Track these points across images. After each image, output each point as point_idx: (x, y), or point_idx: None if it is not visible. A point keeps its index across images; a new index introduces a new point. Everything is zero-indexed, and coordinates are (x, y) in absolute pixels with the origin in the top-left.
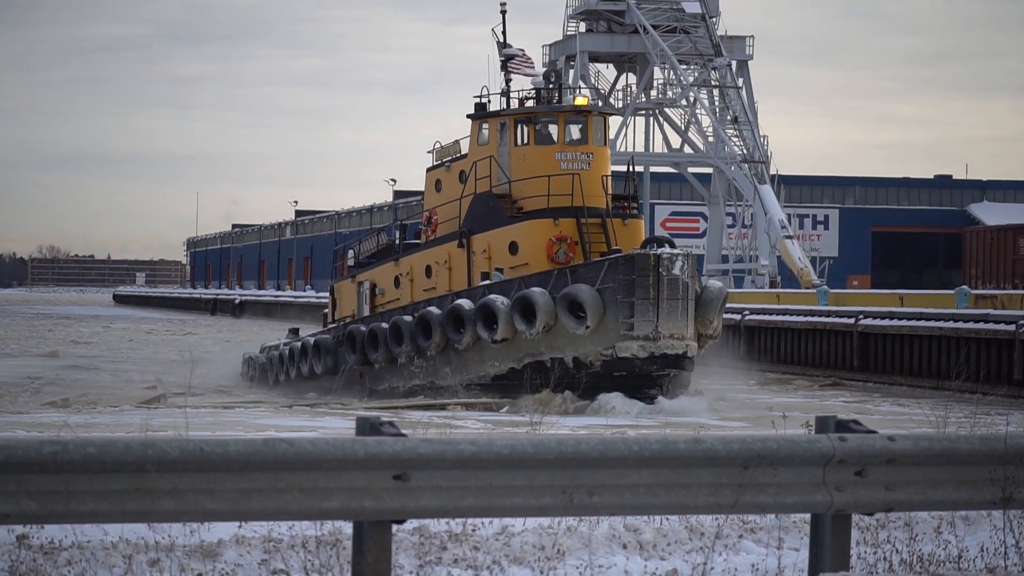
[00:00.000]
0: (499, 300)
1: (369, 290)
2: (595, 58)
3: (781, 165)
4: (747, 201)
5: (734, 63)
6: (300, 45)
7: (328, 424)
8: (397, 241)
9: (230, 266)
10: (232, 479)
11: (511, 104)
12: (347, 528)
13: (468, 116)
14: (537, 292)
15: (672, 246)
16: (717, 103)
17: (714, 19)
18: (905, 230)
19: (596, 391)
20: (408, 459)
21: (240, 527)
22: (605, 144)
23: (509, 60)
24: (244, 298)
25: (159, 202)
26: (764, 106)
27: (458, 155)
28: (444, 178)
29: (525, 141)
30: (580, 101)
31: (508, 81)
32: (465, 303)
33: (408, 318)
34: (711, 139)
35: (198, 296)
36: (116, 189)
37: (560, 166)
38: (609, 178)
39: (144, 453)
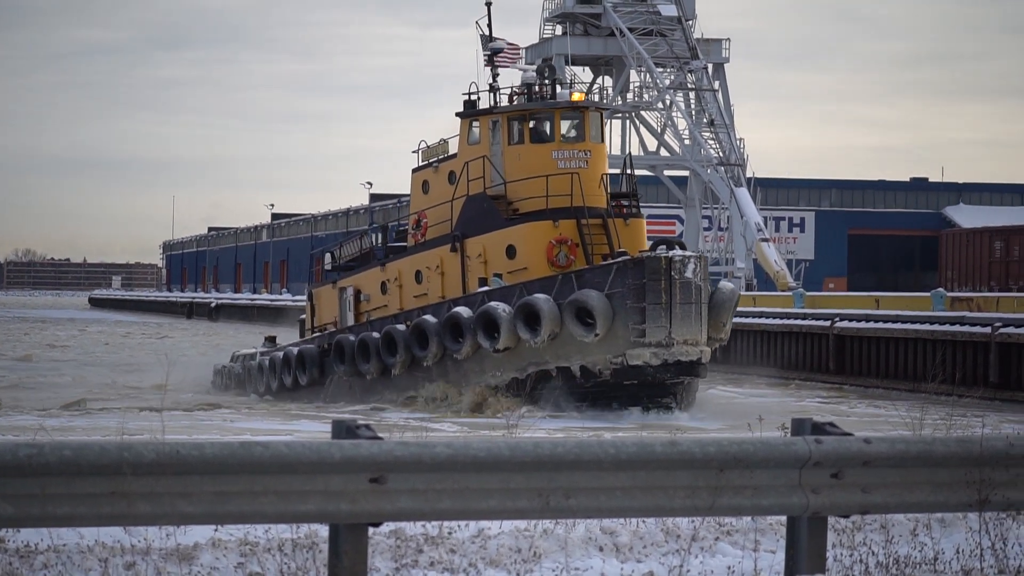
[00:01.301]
0: (500, 307)
1: (353, 296)
2: (572, 61)
3: (757, 168)
4: (723, 204)
5: (710, 66)
6: (279, 49)
7: (304, 427)
8: (377, 244)
9: (206, 269)
10: (208, 482)
11: (500, 100)
12: (323, 531)
13: (457, 114)
14: (541, 299)
15: (683, 248)
16: (693, 106)
17: (690, 22)
18: (881, 233)
19: (608, 401)
20: (384, 462)
21: (216, 530)
22: (602, 141)
23: (496, 54)
24: (220, 301)
25: (136, 205)
26: (741, 109)
27: (446, 155)
28: (432, 179)
29: (519, 139)
30: (576, 97)
31: (495, 76)
32: (463, 311)
33: (401, 327)
34: (687, 142)
35: (174, 299)
36: (93, 192)
37: (557, 165)
38: (608, 176)
39: (120, 456)
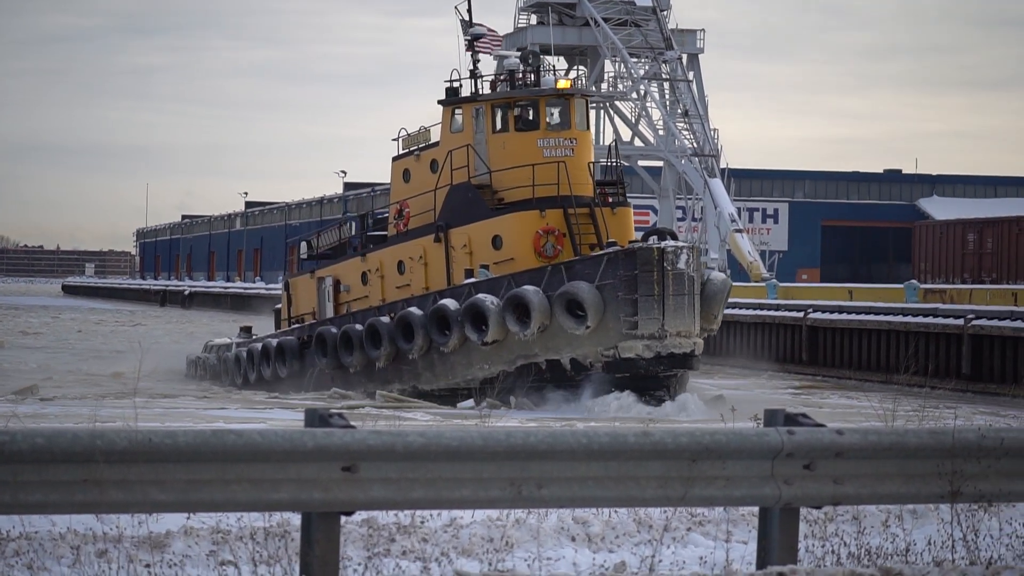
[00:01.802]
0: (488, 299)
1: (332, 287)
2: (546, 51)
3: (731, 159)
4: (697, 195)
5: (685, 56)
6: (254, 37)
7: (277, 416)
8: (354, 233)
9: (179, 257)
10: (181, 470)
11: (483, 88)
12: (296, 520)
13: (439, 102)
14: (531, 291)
15: (674, 237)
16: (667, 96)
17: (665, 12)
18: (855, 224)
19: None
20: (357, 451)
21: (188, 518)
22: (588, 128)
23: (477, 39)
24: (193, 289)
25: (109, 193)
26: (715, 100)
27: (428, 143)
28: (413, 168)
29: (504, 127)
30: (563, 84)
31: (476, 62)
32: (450, 303)
33: (385, 319)
34: (661, 132)
35: (147, 287)
36: (66, 179)
37: (543, 153)
38: (593, 165)
39: (93, 444)
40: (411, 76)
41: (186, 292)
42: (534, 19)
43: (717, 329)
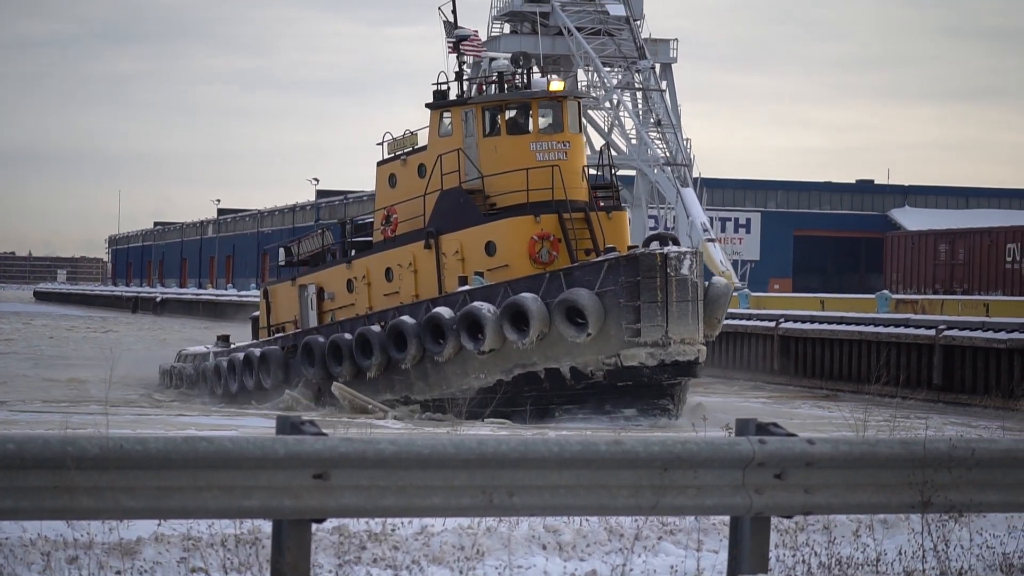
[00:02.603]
0: (485, 307)
1: (315, 295)
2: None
3: (704, 168)
4: (669, 204)
5: (658, 66)
6: (227, 44)
7: (249, 423)
8: (338, 240)
9: (151, 264)
10: (152, 477)
11: (470, 90)
12: (267, 527)
13: (427, 105)
14: (529, 298)
15: (676, 243)
16: (640, 106)
17: (638, 22)
18: (827, 234)
19: (600, 403)
20: (329, 458)
21: (159, 525)
22: (580, 131)
23: (461, 41)
24: (165, 296)
25: (82, 199)
26: (688, 109)
27: (415, 147)
28: (400, 172)
29: (495, 131)
30: (556, 86)
31: (461, 64)
32: (444, 311)
33: (376, 328)
34: (634, 141)
35: (119, 294)
36: (38, 186)
37: (536, 157)
38: (587, 168)
39: (64, 450)
40: (385, 84)
41: (158, 299)
42: (507, 28)
43: (714, 338)
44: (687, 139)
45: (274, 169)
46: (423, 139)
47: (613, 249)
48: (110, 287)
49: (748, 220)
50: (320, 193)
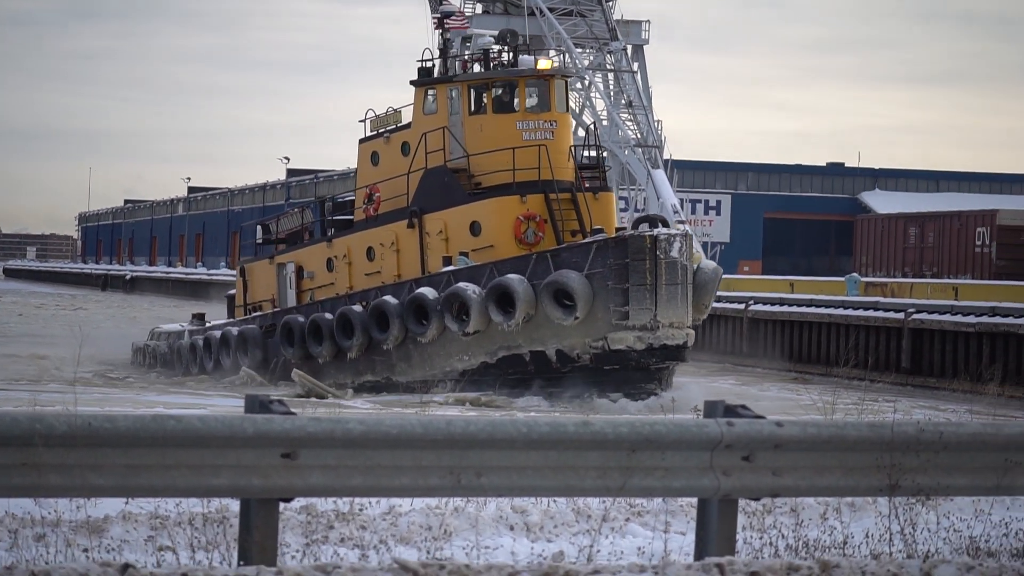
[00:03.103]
0: (470, 288)
1: (294, 273)
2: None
3: (675, 150)
4: (640, 185)
5: (629, 47)
6: (200, 23)
7: (218, 402)
8: (317, 218)
9: (122, 242)
10: (120, 455)
11: (454, 67)
12: (234, 506)
13: (412, 82)
14: (515, 279)
15: (666, 225)
16: (612, 87)
17: (610, 3)
18: (797, 217)
19: (586, 387)
20: (297, 437)
21: (127, 503)
22: (567, 111)
23: (446, 17)
24: (135, 274)
25: (52, 177)
26: (659, 91)
27: (399, 125)
28: (383, 150)
29: (481, 109)
30: (544, 65)
31: (446, 41)
32: (428, 291)
33: (358, 308)
34: (605, 123)
35: (89, 271)
36: (7, 163)
37: (522, 136)
38: (573, 148)
39: (32, 427)
40: (355, 64)
41: (127, 276)
42: (479, 8)
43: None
44: (658, 121)
45: (245, 147)
46: (407, 117)
47: (600, 230)
48: (80, 264)
49: (718, 202)
50: (291, 172)
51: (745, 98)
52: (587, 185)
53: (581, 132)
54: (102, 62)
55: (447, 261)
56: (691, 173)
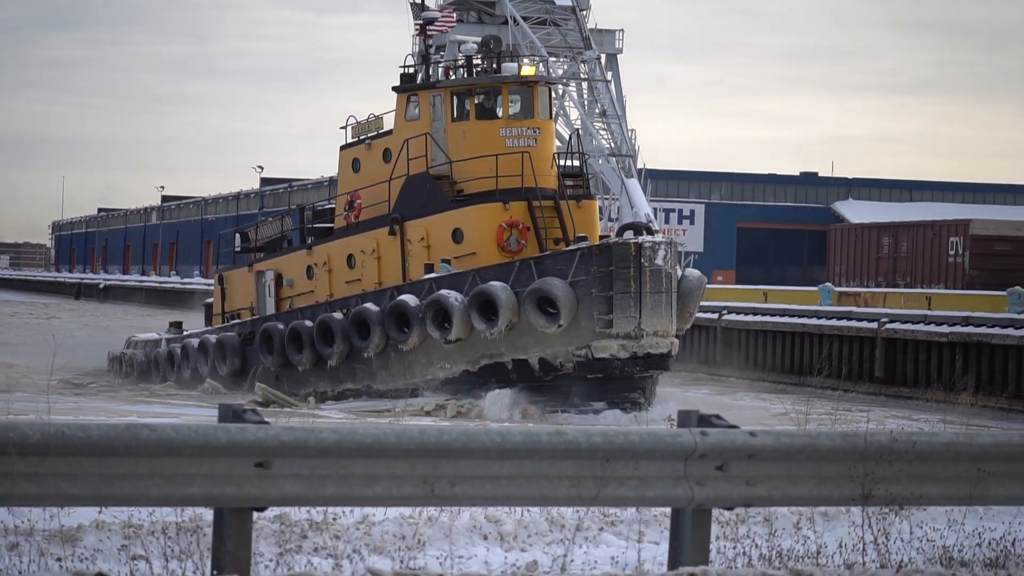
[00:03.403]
0: (452, 296)
1: (273, 281)
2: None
3: (648, 159)
4: (614, 195)
5: (603, 56)
6: (173, 31)
7: (191, 411)
8: (297, 226)
9: (95, 250)
10: (93, 464)
11: (437, 74)
12: (208, 515)
13: (394, 88)
14: (498, 287)
15: (651, 232)
16: (586, 96)
17: (584, 12)
18: (770, 226)
19: (567, 396)
20: (270, 447)
21: (100, 512)
22: (551, 118)
23: (429, 24)
24: (109, 283)
25: (26, 185)
26: (633, 100)
27: (381, 132)
28: (364, 157)
29: (463, 116)
30: (528, 71)
31: (428, 48)
32: (410, 299)
33: (338, 315)
34: (579, 132)
35: (63, 280)
36: None
37: (505, 143)
38: (556, 156)
39: (5, 436)
40: (329, 72)
41: (101, 285)
42: (453, 16)
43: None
44: (632, 130)
45: (218, 156)
46: (388, 124)
47: (584, 238)
48: (53, 273)
49: (692, 212)
50: (264, 181)
51: (719, 107)
52: (570, 193)
53: (555, 141)
54: (76, 70)
55: (429, 268)
56: (665, 183)
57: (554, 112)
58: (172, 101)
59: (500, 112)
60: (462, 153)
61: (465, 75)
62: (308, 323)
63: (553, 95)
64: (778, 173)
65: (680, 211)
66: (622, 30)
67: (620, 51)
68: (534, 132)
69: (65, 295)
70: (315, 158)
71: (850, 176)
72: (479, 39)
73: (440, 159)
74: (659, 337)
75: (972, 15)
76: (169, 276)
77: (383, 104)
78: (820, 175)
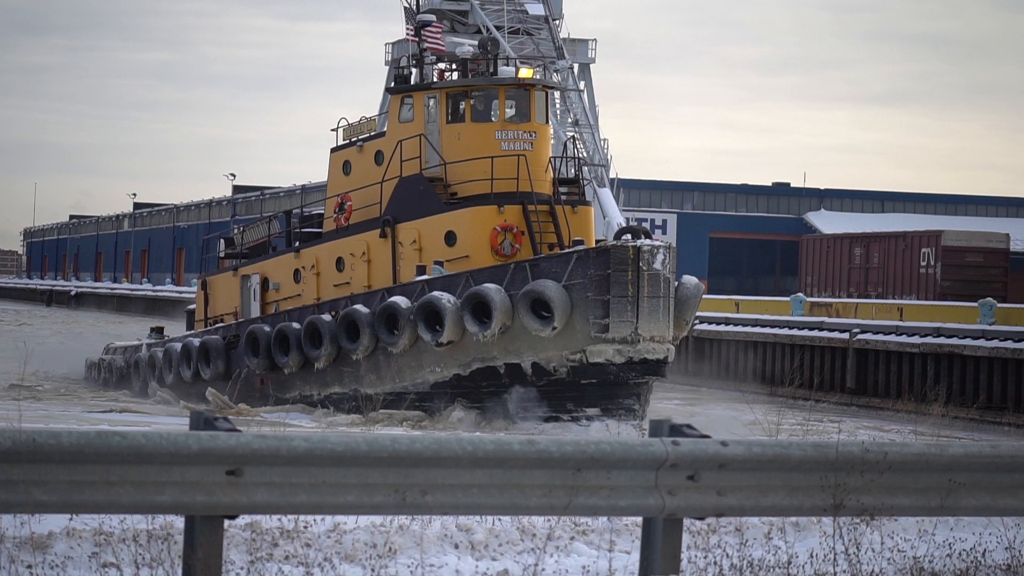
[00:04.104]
0: (445, 298)
1: (259, 285)
2: (438, 58)
3: (621, 169)
4: None
5: (576, 66)
6: (145, 37)
7: (163, 419)
8: (283, 229)
9: (67, 257)
10: (64, 471)
11: (431, 76)
12: (179, 522)
13: (388, 90)
14: (492, 289)
15: (649, 236)
16: (558, 105)
17: (557, 22)
18: (742, 236)
19: (562, 401)
20: (242, 454)
21: (71, 519)
22: (547, 122)
23: (423, 28)
24: (80, 290)
25: None
26: (605, 110)
27: (373, 133)
28: (355, 159)
29: (459, 118)
30: (525, 73)
31: (422, 51)
32: (401, 300)
33: (327, 317)
34: (551, 141)
35: (34, 287)
36: None
37: (500, 146)
38: (551, 160)
39: None
40: (302, 80)
41: (72, 292)
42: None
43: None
44: (604, 139)
45: (190, 164)
46: (381, 125)
47: (581, 242)
48: (25, 280)
49: (664, 221)
50: (236, 188)
51: (691, 117)
52: (565, 199)
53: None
54: (47, 76)
55: (421, 270)
56: (637, 192)
57: (550, 116)
58: (144, 107)
59: (496, 115)
60: (456, 155)
61: (460, 77)
62: (296, 325)
63: (550, 100)
64: (750, 183)
65: (652, 221)
66: (595, 40)
67: (593, 61)
68: (530, 136)
69: (36, 302)
70: (287, 165)
71: (822, 187)
72: (475, 42)
73: (434, 161)
74: (656, 343)
75: (945, 26)
76: (141, 283)
77: (357, 111)
78: (792, 185)
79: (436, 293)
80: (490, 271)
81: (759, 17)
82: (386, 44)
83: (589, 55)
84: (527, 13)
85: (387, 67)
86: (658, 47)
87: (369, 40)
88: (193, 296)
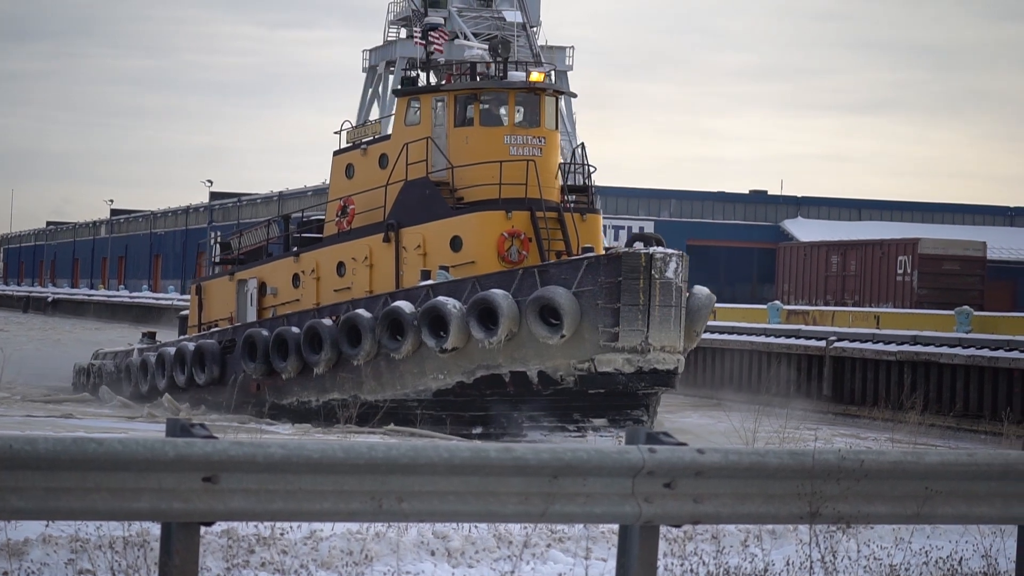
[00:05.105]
0: (450, 303)
1: (256, 290)
2: (415, 64)
3: (598, 176)
4: None
5: (554, 73)
6: (129, 45)
7: (140, 425)
8: (282, 232)
9: (44, 264)
10: (40, 477)
11: (436, 79)
12: (155, 529)
13: (394, 92)
14: (499, 295)
15: (661, 244)
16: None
17: (535, 29)
18: (720, 244)
19: (568, 411)
20: (218, 461)
21: (47, 526)
22: (557, 128)
23: (431, 31)
24: (57, 296)
25: None
26: (583, 117)
27: (378, 136)
28: (358, 163)
29: (467, 121)
30: (536, 77)
31: (429, 54)
32: (405, 305)
33: (328, 322)
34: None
35: (10, 293)
36: None
37: (509, 151)
38: (560, 167)
39: None
40: (282, 87)
41: (49, 299)
42: (404, 32)
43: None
44: (580, 143)
45: (168, 170)
46: (386, 128)
47: (591, 249)
48: (1, 286)
49: (642, 228)
50: (214, 195)
51: (669, 124)
52: (574, 206)
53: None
54: (26, 82)
55: (426, 275)
56: (614, 199)
57: (560, 122)
58: (122, 114)
59: (505, 119)
60: (464, 159)
61: (469, 80)
62: (295, 329)
63: (560, 105)
64: (728, 191)
65: (630, 228)
66: (572, 47)
67: (570, 68)
68: (539, 141)
69: (13, 308)
70: (265, 173)
71: (799, 194)
72: (485, 46)
73: (440, 164)
74: (666, 353)
75: (926, 35)
76: (118, 290)
77: (336, 118)
78: (769, 193)
79: (441, 298)
80: (497, 276)
81: (739, 25)
82: (363, 51)
83: (567, 62)
84: (504, 20)
85: (364, 74)
86: (636, 54)
87: (344, 46)
88: (178, 302)
